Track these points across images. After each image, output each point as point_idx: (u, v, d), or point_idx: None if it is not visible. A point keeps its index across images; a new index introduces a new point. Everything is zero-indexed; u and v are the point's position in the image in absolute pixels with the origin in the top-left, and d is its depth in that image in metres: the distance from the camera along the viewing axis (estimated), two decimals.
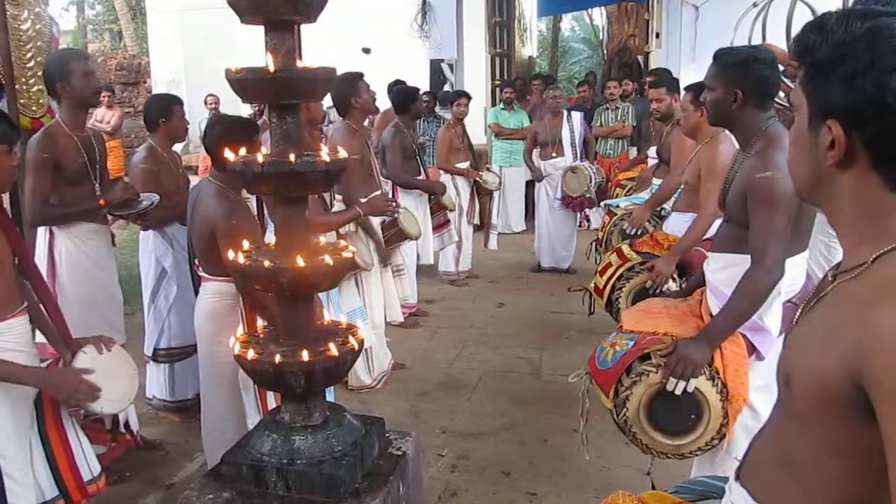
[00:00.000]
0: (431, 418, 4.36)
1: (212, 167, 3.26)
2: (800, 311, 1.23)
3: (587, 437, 2.96)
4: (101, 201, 3.76)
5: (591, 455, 3.50)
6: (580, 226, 7.58)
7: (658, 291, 3.48)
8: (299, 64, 2.45)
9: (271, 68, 2.33)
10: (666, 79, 5.48)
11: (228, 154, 2.47)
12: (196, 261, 3.34)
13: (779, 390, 1.20)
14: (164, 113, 4.20)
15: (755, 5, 5.76)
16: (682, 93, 4.35)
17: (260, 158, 2.39)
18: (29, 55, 5.35)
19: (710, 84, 2.67)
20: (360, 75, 4.87)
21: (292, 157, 2.35)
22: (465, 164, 7.27)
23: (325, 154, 2.45)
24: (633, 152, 8.75)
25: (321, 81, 2.47)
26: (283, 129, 2.44)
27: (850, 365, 1.01)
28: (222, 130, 3.16)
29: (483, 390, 4.77)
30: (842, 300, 1.10)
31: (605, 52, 21.19)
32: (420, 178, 6.36)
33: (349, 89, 4.77)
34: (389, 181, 6.14)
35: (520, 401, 4.57)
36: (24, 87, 4.11)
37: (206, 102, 10.62)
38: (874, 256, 1.07)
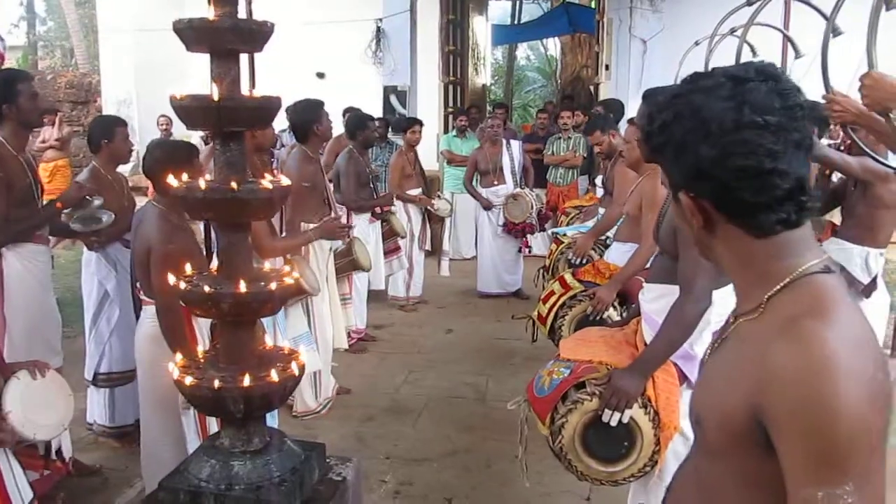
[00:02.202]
0: (376, 444, 4.37)
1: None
2: (708, 352, 1.30)
3: (527, 463, 3.01)
4: (58, 204, 3.70)
5: (532, 481, 3.56)
6: (520, 251, 7.70)
7: (598, 319, 3.56)
8: (246, 92, 2.49)
9: (215, 97, 2.36)
10: (598, 122, 5.63)
11: (171, 179, 2.48)
12: (137, 284, 3.32)
13: (693, 429, 1.27)
14: (107, 134, 4.17)
15: (697, 44, 5.99)
16: (626, 125, 4.49)
17: (202, 185, 2.41)
18: None
19: (639, 123, 2.76)
20: (321, 103, 4.91)
21: (234, 185, 2.38)
22: (417, 191, 7.34)
23: (267, 181, 2.48)
24: (584, 181, 8.91)
25: (265, 110, 2.51)
26: (226, 156, 2.47)
27: (750, 401, 1.08)
28: (161, 154, 3.18)
29: (428, 416, 4.80)
30: (743, 340, 1.17)
31: (558, 81, 21.57)
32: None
33: (312, 116, 4.80)
34: (344, 207, 6.17)
35: (465, 427, 4.61)
36: None
37: (158, 123, 10.52)
38: (767, 297, 1.14)
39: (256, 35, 2.45)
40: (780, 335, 1.07)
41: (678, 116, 1.14)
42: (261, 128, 2.83)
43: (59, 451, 2.93)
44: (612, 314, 3.57)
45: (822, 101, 2.84)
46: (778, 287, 1.13)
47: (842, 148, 3.69)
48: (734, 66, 1.17)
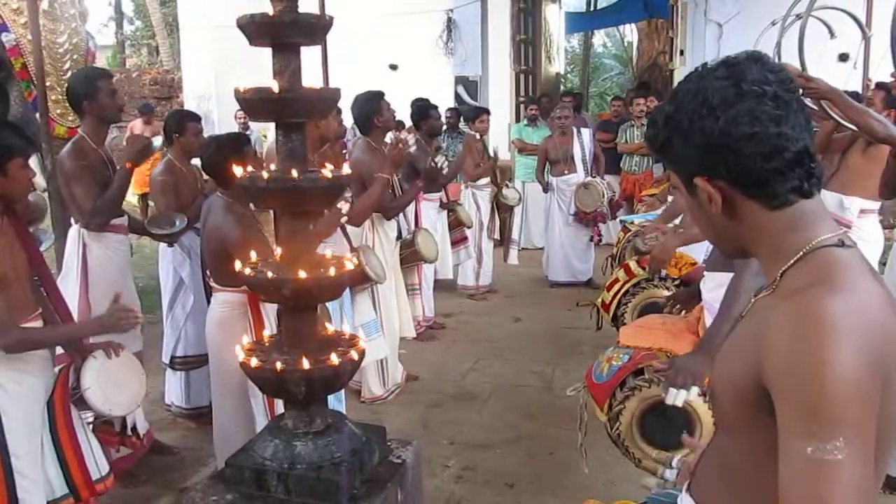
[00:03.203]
0: (440, 429, 4.43)
1: None
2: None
3: (592, 452, 3.02)
4: (127, 164, 3.82)
5: (596, 469, 3.57)
6: (591, 240, 7.65)
7: (656, 279, 3.52)
8: (309, 84, 2.56)
9: (276, 89, 2.44)
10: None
11: (236, 169, 2.58)
12: (207, 272, 3.46)
13: (711, 406, 1.27)
14: (178, 129, 4.36)
15: (773, 24, 5.80)
16: None
17: (265, 175, 2.50)
18: (66, 66, 5.56)
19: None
20: (381, 94, 4.99)
21: (295, 174, 2.46)
22: (485, 180, 7.36)
23: (327, 171, 2.55)
24: (658, 169, 8.77)
25: (325, 101, 2.58)
26: (287, 146, 2.55)
27: (755, 368, 1.09)
28: (214, 149, 3.31)
29: (494, 403, 4.83)
30: (755, 314, 1.19)
31: (635, 68, 21.22)
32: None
33: (371, 108, 4.90)
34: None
35: (529, 414, 4.63)
36: (62, 98, 4.27)
37: (235, 117, 10.83)
38: (781, 272, 1.16)
39: (316, 28, 2.53)
40: (784, 302, 1.10)
41: (680, 105, 1.19)
42: (319, 119, 2.90)
43: (133, 428, 3.09)
44: (663, 293, 3.53)
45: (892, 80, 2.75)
46: (792, 261, 1.15)
47: None
48: (722, 57, 1.22)
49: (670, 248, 4.41)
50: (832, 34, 4.97)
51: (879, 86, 4.51)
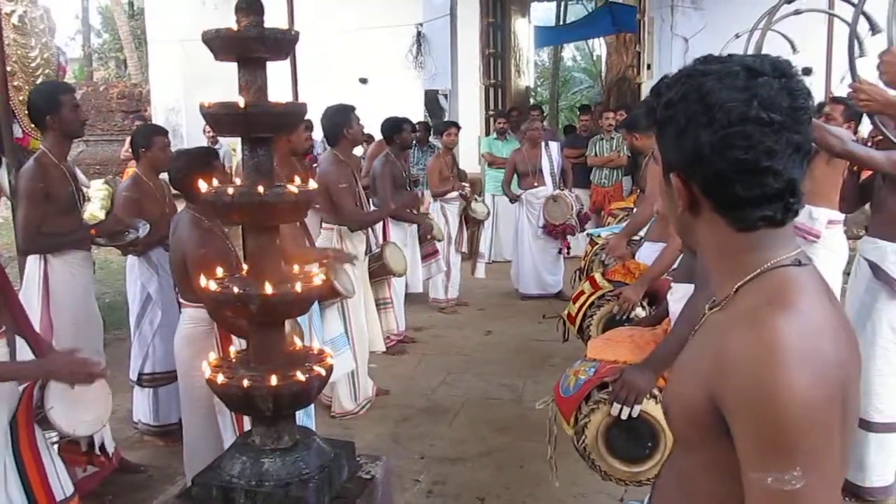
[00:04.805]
0: (411, 444, 4.42)
1: None
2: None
3: (562, 464, 3.03)
4: (93, 231, 3.86)
5: (567, 482, 3.58)
6: (560, 252, 7.71)
7: (626, 318, 3.55)
8: (275, 98, 2.56)
9: (242, 104, 2.43)
10: (624, 123, 5.60)
11: (201, 184, 2.57)
12: (175, 287, 3.43)
13: (666, 422, 1.28)
14: (146, 143, 4.32)
15: (737, 36, 5.90)
16: None
17: (231, 189, 2.49)
18: (38, 81, 5.52)
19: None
20: (351, 108, 5.02)
21: (261, 189, 2.45)
22: (453, 194, 7.40)
23: (294, 185, 2.55)
24: (628, 182, 8.86)
25: (291, 115, 2.58)
26: (254, 160, 2.55)
27: (709, 390, 1.09)
28: (182, 163, 3.30)
29: (465, 417, 4.83)
30: (707, 331, 1.19)
31: (604, 81, 21.45)
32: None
33: (341, 119, 4.93)
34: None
35: (500, 427, 4.63)
36: None
37: (204, 131, 10.74)
38: (736, 287, 1.16)
39: (282, 43, 2.53)
40: (738, 323, 1.09)
41: (685, 97, 1.13)
42: (285, 133, 2.91)
43: (101, 447, 3.05)
44: (640, 313, 3.56)
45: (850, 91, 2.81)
46: (748, 278, 1.14)
47: (869, 144, 3.60)
48: (751, 56, 1.16)
49: (620, 245, 4.46)
50: (794, 49, 5.06)
51: (836, 100, 4.59)
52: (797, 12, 4.40)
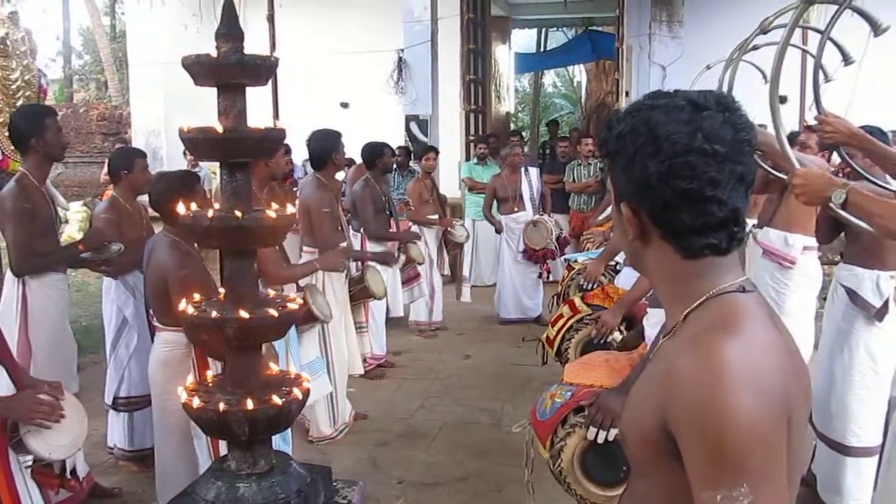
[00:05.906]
0: (389, 468, 4.40)
1: None
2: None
3: (540, 488, 3.03)
4: (80, 246, 3.84)
5: None
6: (540, 276, 7.75)
7: (603, 342, 3.58)
8: (254, 124, 2.58)
9: (220, 129, 2.45)
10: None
11: (179, 208, 2.58)
12: (150, 311, 3.42)
13: (623, 449, 1.31)
14: (126, 165, 4.31)
15: (708, 68, 6.00)
16: None
17: (209, 213, 2.50)
18: (19, 104, 5.50)
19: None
20: (339, 134, 5.05)
21: (239, 213, 2.46)
22: (434, 217, 7.44)
23: (271, 210, 2.56)
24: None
25: (269, 140, 2.60)
26: (232, 185, 2.56)
27: (659, 414, 1.12)
28: (163, 186, 3.31)
29: (443, 441, 4.82)
30: (659, 357, 1.22)
31: (584, 107, 21.67)
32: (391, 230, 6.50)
33: (330, 145, 4.96)
34: (358, 233, 6.30)
35: (478, 451, 4.62)
36: None
37: (185, 154, 10.72)
38: (685, 314, 1.20)
39: (261, 70, 2.56)
40: (685, 348, 1.12)
41: (634, 129, 1.18)
42: (263, 158, 2.93)
43: (73, 471, 3.02)
44: (617, 337, 3.59)
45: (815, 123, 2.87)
46: (695, 304, 1.18)
47: (840, 175, 3.67)
48: (695, 92, 1.20)
49: (597, 270, 4.50)
50: (766, 79, 5.14)
51: (811, 128, 4.67)
52: (769, 44, 4.49)
